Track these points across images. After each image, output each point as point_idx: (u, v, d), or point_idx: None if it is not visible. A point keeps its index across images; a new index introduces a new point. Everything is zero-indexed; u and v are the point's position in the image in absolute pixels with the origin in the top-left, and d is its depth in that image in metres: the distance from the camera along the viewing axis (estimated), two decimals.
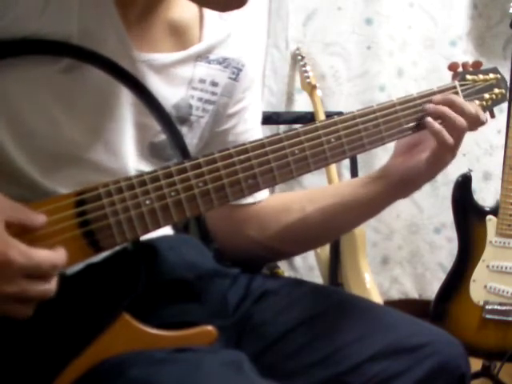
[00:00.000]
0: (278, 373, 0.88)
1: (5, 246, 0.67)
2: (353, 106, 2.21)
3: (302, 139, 0.85)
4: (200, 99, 0.95)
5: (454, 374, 0.91)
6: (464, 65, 1.03)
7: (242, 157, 0.81)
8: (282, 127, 2.09)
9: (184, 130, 0.94)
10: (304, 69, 2.18)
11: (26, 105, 0.80)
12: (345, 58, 2.31)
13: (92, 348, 0.76)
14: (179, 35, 0.92)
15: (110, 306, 0.78)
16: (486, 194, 2.38)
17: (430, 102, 0.95)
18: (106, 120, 0.86)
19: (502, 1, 2.16)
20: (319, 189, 1.12)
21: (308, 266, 2.34)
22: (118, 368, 0.75)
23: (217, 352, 0.79)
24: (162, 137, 0.92)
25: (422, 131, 0.95)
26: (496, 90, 1.03)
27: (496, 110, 1.07)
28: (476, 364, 1.87)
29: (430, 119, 0.93)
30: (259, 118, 1.07)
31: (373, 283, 1.98)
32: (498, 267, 1.83)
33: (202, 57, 0.94)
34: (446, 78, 1.04)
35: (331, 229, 1.04)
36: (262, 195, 1.04)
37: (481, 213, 1.86)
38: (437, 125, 0.93)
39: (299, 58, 2.23)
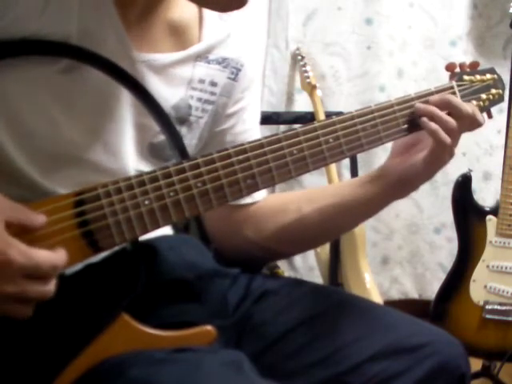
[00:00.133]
0: (278, 373, 0.88)
1: (5, 246, 0.67)
2: (353, 106, 2.21)
3: (301, 139, 0.85)
4: (199, 99, 0.95)
5: (453, 374, 0.91)
6: (461, 65, 1.03)
7: (240, 157, 0.81)
8: (282, 127, 2.09)
9: (183, 130, 0.94)
10: (304, 69, 2.18)
11: (26, 105, 0.80)
12: (345, 57, 2.31)
13: (91, 348, 0.76)
14: (179, 35, 0.92)
15: (109, 306, 0.78)
16: (486, 194, 2.38)
17: (428, 102, 0.95)
18: (105, 120, 0.86)
19: (502, 1, 2.16)
20: (318, 189, 1.12)
21: (308, 266, 2.34)
22: (118, 368, 0.74)
23: (217, 352, 0.79)
24: (162, 137, 0.92)
25: (420, 131, 0.95)
26: (493, 91, 1.03)
27: (496, 110, 1.07)
28: (476, 364, 1.87)
29: (425, 119, 0.93)
30: (258, 118, 1.07)
31: (373, 283, 1.98)
32: (497, 267, 1.83)
33: (201, 57, 0.94)
34: (446, 78, 1.04)
35: (329, 229, 1.04)
36: (260, 195, 1.04)
37: (481, 213, 1.86)
38: (433, 124, 0.92)
39: (299, 58, 2.23)
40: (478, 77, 1.02)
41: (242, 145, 0.82)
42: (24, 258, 0.67)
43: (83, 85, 0.83)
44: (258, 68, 1.06)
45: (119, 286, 0.80)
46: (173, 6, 0.91)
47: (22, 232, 0.70)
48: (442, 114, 0.93)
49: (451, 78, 1.02)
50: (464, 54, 2.33)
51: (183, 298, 0.89)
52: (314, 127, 0.86)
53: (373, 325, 0.93)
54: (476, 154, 2.42)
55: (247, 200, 1.02)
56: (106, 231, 0.75)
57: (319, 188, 1.13)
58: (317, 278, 2.18)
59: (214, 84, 0.96)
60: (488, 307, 1.81)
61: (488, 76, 1.04)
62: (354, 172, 2.17)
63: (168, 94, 0.91)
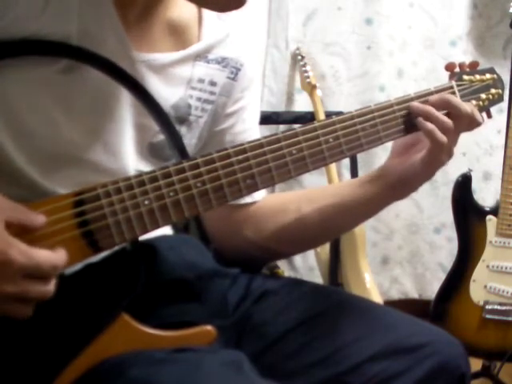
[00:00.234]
0: (278, 373, 0.88)
1: (5, 246, 0.67)
2: (353, 106, 2.21)
3: (300, 139, 0.85)
4: (199, 99, 0.95)
5: (454, 374, 0.91)
6: (461, 65, 1.03)
7: (240, 157, 0.81)
8: (282, 127, 2.09)
9: (183, 130, 0.95)
10: (304, 69, 2.18)
11: (25, 105, 0.80)
12: (345, 58, 2.31)
13: (91, 348, 0.76)
14: (178, 35, 0.92)
15: (109, 306, 0.78)
16: (486, 194, 2.38)
17: (427, 101, 0.95)
18: (105, 120, 0.86)
19: (502, 1, 2.16)
20: (317, 189, 1.12)
21: (308, 266, 2.34)
22: (118, 368, 0.74)
23: (217, 352, 0.79)
24: (161, 137, 0.92)
25: (419, 131, 0.95)
26: (493, 90, 1.03)
27: (496, 110, 1.07)
28: (476, 364, 1.87)
29: (421, 119, 0.93)
30: (257, 117, 1.07)
31: (373, 283, 1.98)
32: (497, 267, 1.83)
33: (200, 56, 0.94)
34: (446, 78, 1.04)
35: (329, 229, 1.04)
36: (260, 195, 1.04)
37: (481, 213, 1.86)
38: (429, 124, 0.92)
39: (299, 57, 2.23)
40: (478, 76, 1.02)
41: (242, 145, 0.82)
42: (24, 258, 0.67)
43: (83, 85, 0.83)
44: (257, 68, 1.06)
45: (119, 286, 0.80)
46: (172, 5, 0.91)
47: (22, 232, 0.70)
48: (438, 114, 0.93)
49: (451, 77, 1.02)
50: (464, 54, 2.33)
51: (183, 298, 0.89)
52: (313, 127, 0.86)
53: (373, 325, 0.93)
54: (476, 154, 2.42)
55: (247, 200, 1.02)
56: (106, 231, 0.75)
57: (319, 188, 1.13)
58: (317, 277, 2.18)
59: (213, 83, 0.96)
60: (488, 307, 1.81)
61: (487, 76, 1.04)
62: (353, 172, 2.17)
63: (167, 93, 0.91)
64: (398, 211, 2.41)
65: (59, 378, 0.75)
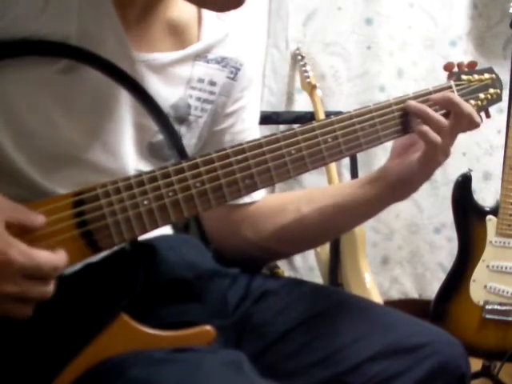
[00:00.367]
0: (278, 373, 0.88)
1: (5, 246, 0.67)
2: (353, 106, 2.19)
3: (299, 139, 0.85)
4: (198, 99, 0.95)
5: (454, 373, 0.91)
6: (459, 65, 1.03)
7: (239, 157, 0.81)
8: (282, 127, 2.09)
9: (183, 129, 0.94)
10: (304, 69, 2.18)
11: (25, 105, 0.80)
12: (345, 58, 2.31)
13: (90, 348, 0.76)
14: (178, 35, 0.92)
15: (108, 306, 0.78)
16: (486, 194, 2.38)
17: (429, 100, 0.95)
18: (104, 121, 0.86)
19: (502, 1, 2.16)
20: (317, 189, 1.12)
21: (308, 266, 2.34)
22: (118, 368, 0.74)
23: (216, 352, 0.79)
24: (161, 137, 0.92)
25: None
26: (491, 90, 1.03)
27: (496, 110, 1.07)
28: (476, 364, 1.87)
29: (415, 120, 0.93)
30: (257, 117, 1.07)
31: (373, 283, 1.98)
32: (497, 267, 1.83)
33: (200, 56, 0.94)
34: (446, 78, 1.04)
35: (329, 229, 1.04)
36: (259, 195, 1.04)
37: (481, 213, 1.86)
38: (422, 126, 0.92)
39: (299, 57, 2.23)
40: (476, 76, 1.02)
41: (241, 144, 0.82)
42: (25, 258, 0.68)
43: (82, 85, 0.83)
44: (257, 67, 1.06)
45: (118, 286, 0.80)
46: (172, 5, 0.91)
47: (21, 232, 0.70)
48: (433, 113, 0.93)
49: (449, 77, 1.02)
50: (464, 54, 2.33)
51: (183, 298, 0.89)
52: (312, 127, 0.86)
53: (373, 325, 0.93)
54: (476, 154, 2.42)
55: (246, 200, 1.02)
56: (105, 231, 0.75)
57: (319, 189, 1.13)
58: (317, 277, 2.18)
59: (213, 83, 0.96)
60: (488, 307, 1.81)
61: (486, 76, 1.03)
62: (353, 172, 2.17)
63: (167, 93, 0.91)
64: (398, 211, 2.41)
65: (59, 377, 0.75)
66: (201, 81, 0.95)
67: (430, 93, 0.96)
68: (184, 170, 0.78)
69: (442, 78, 1.05)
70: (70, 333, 0.77)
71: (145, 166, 0.90)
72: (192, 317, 0.86)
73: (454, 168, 2.05)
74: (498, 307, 1.81)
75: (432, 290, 2.29)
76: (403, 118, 0.94)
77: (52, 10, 0.79)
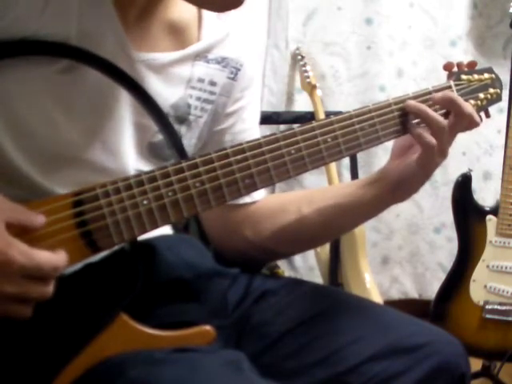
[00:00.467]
0: (278, 373, 0.88)
1: (6, 246, 0.67)
2: (353, 105, 2.19)
3: (299, 139, 0.85)
4: (198, 99, 0.95)
5: (453, 373, 0.91)
6: (459, 65, 1.03)
7: (238, 157, 0.81)
8: (282, 127, 2.09)
9: (183, 129, 0.94)
10: (304, 69, 2.19)
11: (25, 105, 0.80)
12: (345, 57, 2.31)
13: (90, 348, 0.76)
14: (178, 35, 0.92)
15: (107, 306, 0.78)
16: (486, 194, 2.38)
17: (427, 101, 0.95)
18: (104, 120, 0.86)
19: (502, 1, 2.16)
20: (318, 190, 1.12)
21: (308, 266, 2.35)
22: (117, 368, 0.74)
23: (216, 352, 0.79)
24: (161, 136, 0.91)
25: None
26: (491, 90, 1.03)
27: (496, 109, 1.07)
28: (476, 364, 1.87)
29: (412, 122, 0.93)
30: (257, 117, 1.07)
31: (373, 283, 1.98)
32: (497, 267, 1.83)
33: (200, 56, 0.94)
34: (446, 78, 1.04)
35: (329, 229, 1.04)
36: (259, 195, 1.04)
37: (481, 213, 1.86)
38: (417, 129, 0.92)
39: (299, 57, 2.23)
40: (476, 76, 1.02)
41: (240, 144, 0.81)
42: (25, 259, 0.68)
43: (82, 85, 0.83)
44: (257, 67, 1.06)
45: (118, 286, 0.80)
46: (172, 5, 0.91)
47: (21, 232, 0.70)
48: (432, 113, 0.92)
49: (449, 77, 1.02)
50: (464, 54, 2.33)
51: (182, 298, 0.89)
52: (311, 127, 0.86)
53: (373, 325, 0.93)
54: (476, 154, 2.42)
55: (246, 200, 1.02)
56: (105, 231, 0.75)
57: (319, 189, 1.13)
58: (317, 277, 2.18)
59: (213, 83, 0.96)
60: (488, 307, 1.81)
61: (486, 75, 1.03)
62: (353, 172, 2.17)
63: (167, 93, 0.91)
64: (398, 211, 2.41)
65: (58, 377, 0.75)
66: (201, 81, 0.95)
67: (430, 93, 0.96)
68: (183, 170, 0.78)
69: (441, 77, 1.04)
70: (69, 333, 0.77)
71: (144, 166, 0.90)
72: (192, 317, 0.86)
73: (454, 168, 2.05)
74: (498, 307, 1.81)
75: (432, 290, 2.29)
76: (403, 118, 0.94)
77: (52, 10, 0.79)
